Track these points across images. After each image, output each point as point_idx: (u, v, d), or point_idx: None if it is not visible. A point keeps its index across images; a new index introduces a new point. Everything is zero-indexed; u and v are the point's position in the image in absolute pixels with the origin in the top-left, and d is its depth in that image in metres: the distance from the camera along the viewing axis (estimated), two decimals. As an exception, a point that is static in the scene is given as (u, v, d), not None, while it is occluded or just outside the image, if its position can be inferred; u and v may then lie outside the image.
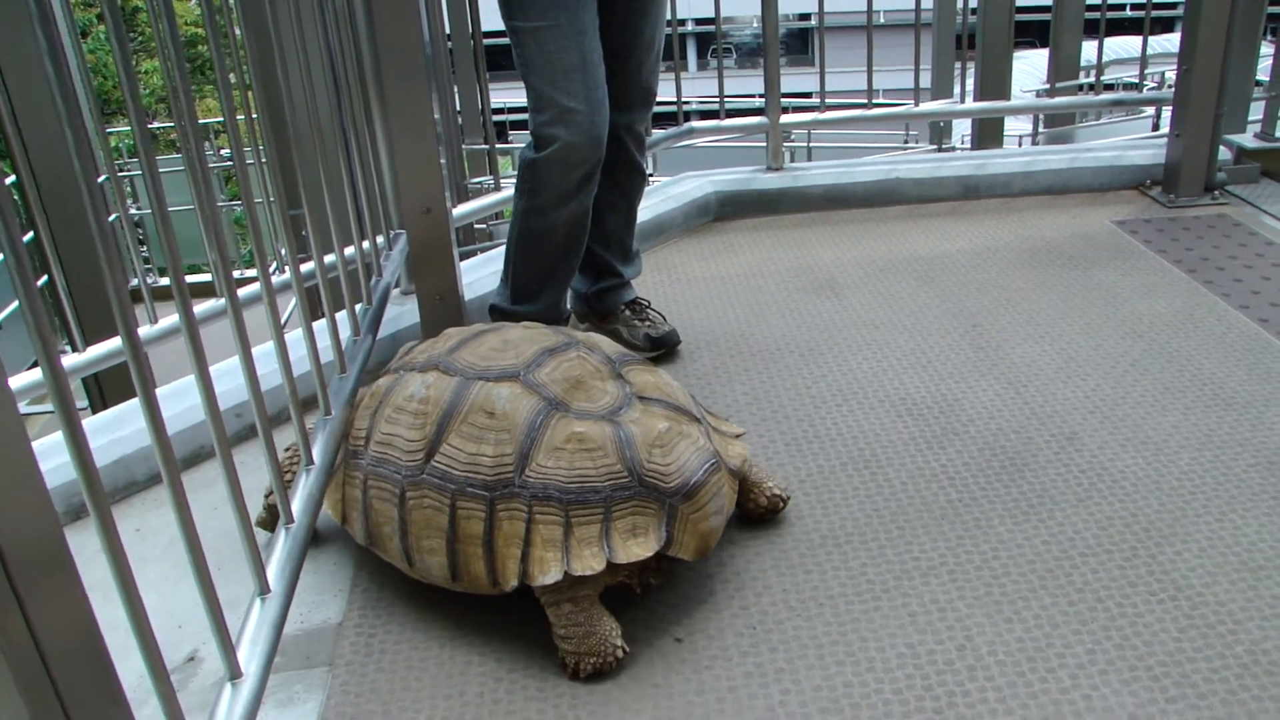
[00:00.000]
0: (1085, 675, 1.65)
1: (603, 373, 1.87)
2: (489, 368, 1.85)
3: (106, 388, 4.45)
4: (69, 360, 2.39)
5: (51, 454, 1.76)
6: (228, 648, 1.30)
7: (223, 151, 7.58)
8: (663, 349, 2.79)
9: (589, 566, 1.67)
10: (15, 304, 5.14)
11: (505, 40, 2.45)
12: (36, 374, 2.35)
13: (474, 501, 1.72)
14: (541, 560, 1.68)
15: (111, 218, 4.37)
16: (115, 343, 2.42)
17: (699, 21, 16.52)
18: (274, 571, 1.49)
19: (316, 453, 1.78)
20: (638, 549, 1.70)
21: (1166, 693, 1.61)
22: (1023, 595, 1.83)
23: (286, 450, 1.97)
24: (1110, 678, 1.64)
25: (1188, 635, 1.72)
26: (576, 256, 2.65)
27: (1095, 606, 1.80)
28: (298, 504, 1.65)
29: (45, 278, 3.85)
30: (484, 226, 6.10)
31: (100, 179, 4.30)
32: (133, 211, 7.00)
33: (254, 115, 1.95)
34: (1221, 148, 3.77)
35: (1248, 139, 3.85)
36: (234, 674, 1.31)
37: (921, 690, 1.64)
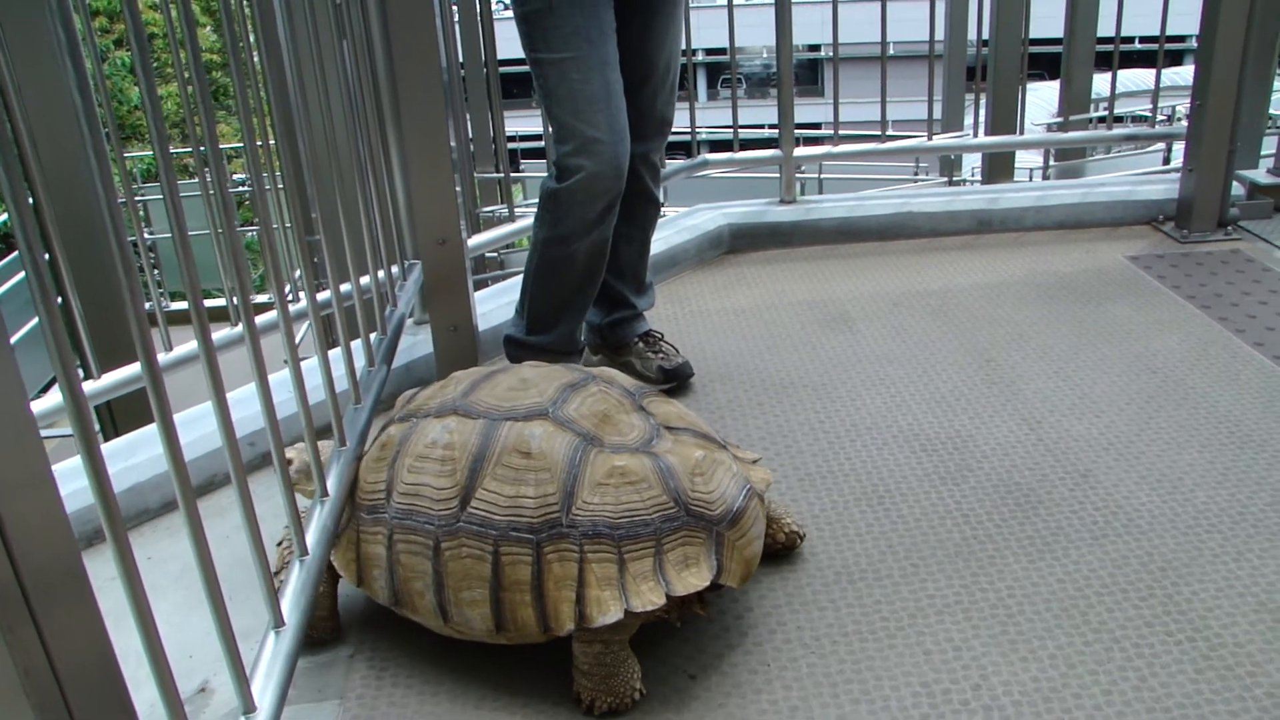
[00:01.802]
0: (1102, 716, 1.63)
1: (626, 406, 1.85)
2: (514, 407, 1.79)
3: (119, 415, 4.44)
4: (84, 387, 2.39)
5: (66, 479, 1.76)
6: (242, 681, 1.29)
7: (235, 177, 7.60)
8: (676, 381, 2.79)
9: (649, 602, 1.63)
10: (27, 327, 5.17)
11: (518, 69, 2.46)
12: (49, 400, 2.35)
13: (519, 546, 1.66)
14: (599, 600, 1.63)
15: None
16: (130, 370, 2.42)
17: (709, 52, 16.60)
18: (288, 604, 1.49)
19: (331, 484, 1.77)
20: (693, 579, 1.68)
21: (1185, 735, 1.59)
22: (1038, 634, 1.82)
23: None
24: (1128, 719, 1.62)
25: (1205, 677, 1.71)
26: (594, 287, 2.65)
27: (1111, 646, 1.78)
28: (311, 536, 1.64)
29: (59, 300, 3.86)
30: (495, 255, 6.10)
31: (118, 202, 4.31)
32: (146, 236, 7.03)
33: (271, 141, 1.96)
34: (1235, 183, 3.77)
35: (1261, 174, 3.85)
36: (248, 708, 1.30)
37: (937, 730, 1.62)
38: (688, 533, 1.69)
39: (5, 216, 8.48)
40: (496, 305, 3.16)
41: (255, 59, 1.92)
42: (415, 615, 1.76)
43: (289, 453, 1.84)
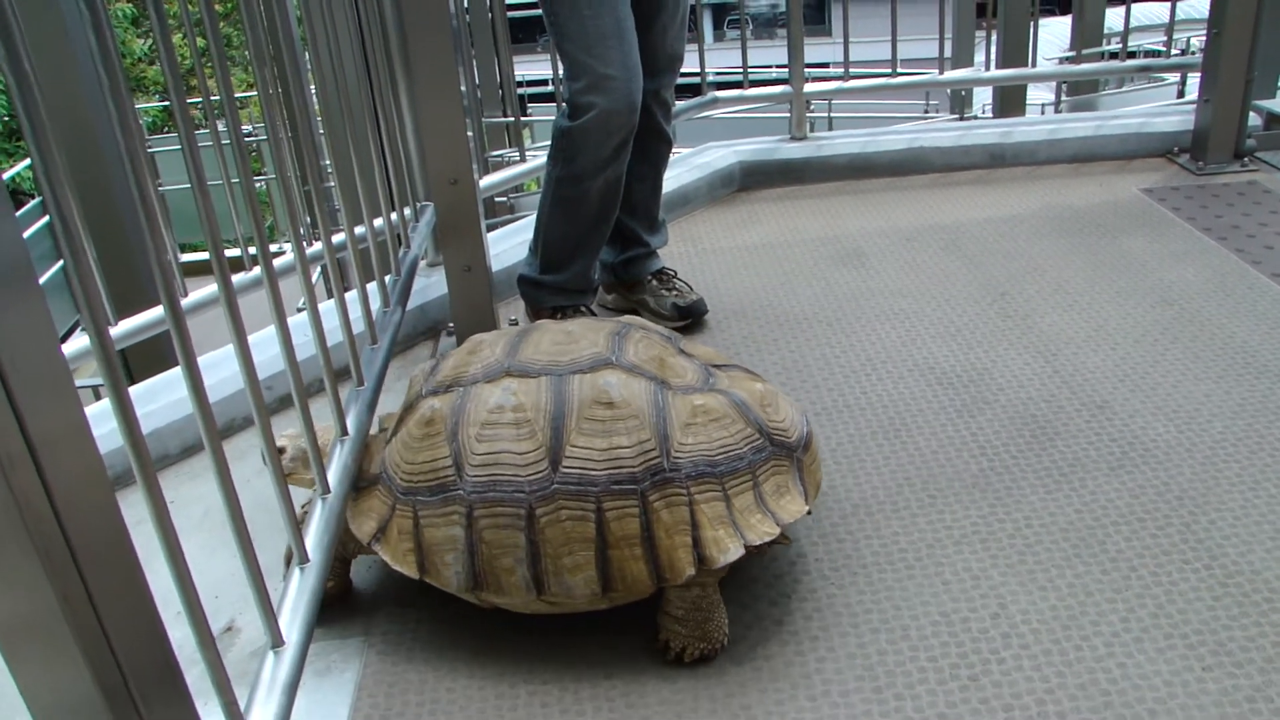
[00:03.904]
0: (1120, 643, 1.65)
1: (670, 349, 1.82)
2: (576, 360, 1.72)
3: (134, 364, 4.47)
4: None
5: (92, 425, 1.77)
6: (269, 616, 1.31)
7: (244, 128, 7.56)
8: (690, 318, 2.79)
9: (763, 534, 1.63)
10: (44, 279, 5.18)
11: (524, 14, 2.43)
12: (67, 349, 2.36)
13: (623, 498, 1.60)
14: (716, 540, 1.60)
15: (135, 192, 4.35)
16: (145, 317, 2.43)
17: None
18: (312, 541, 1.50)
19: (350, 424, 1.78)
20: (793, 506, 1.68)
21: (1202, 660, 1.60)
22: (1056, 564, 1.83)
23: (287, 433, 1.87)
24: (1145, 645, 1.64)
25: (1223, 603, 1.72)
26: (608, 225, 2.64)
27: (1129, 575, 1.79)
28: (333, 474, 1.65)
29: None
30: (505, 200, 6.09)
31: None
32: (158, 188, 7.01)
33: (278, 90, 1.94)
34: (1251, 113, 3.72)
35: (1278, 104, 3.80)
36: (276, 642, 1.32)
37: (956, 658, 1.64)
38: (775, 462, 1.70)
39: (13, 172, 8.46)
40: (509, 245, 3.16)
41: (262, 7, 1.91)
42: (498, 596, 1.66)
43: (280, 440, 1.77)
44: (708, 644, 1.67)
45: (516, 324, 2.84)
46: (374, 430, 1.90)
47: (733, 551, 1.60)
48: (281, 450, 1.76)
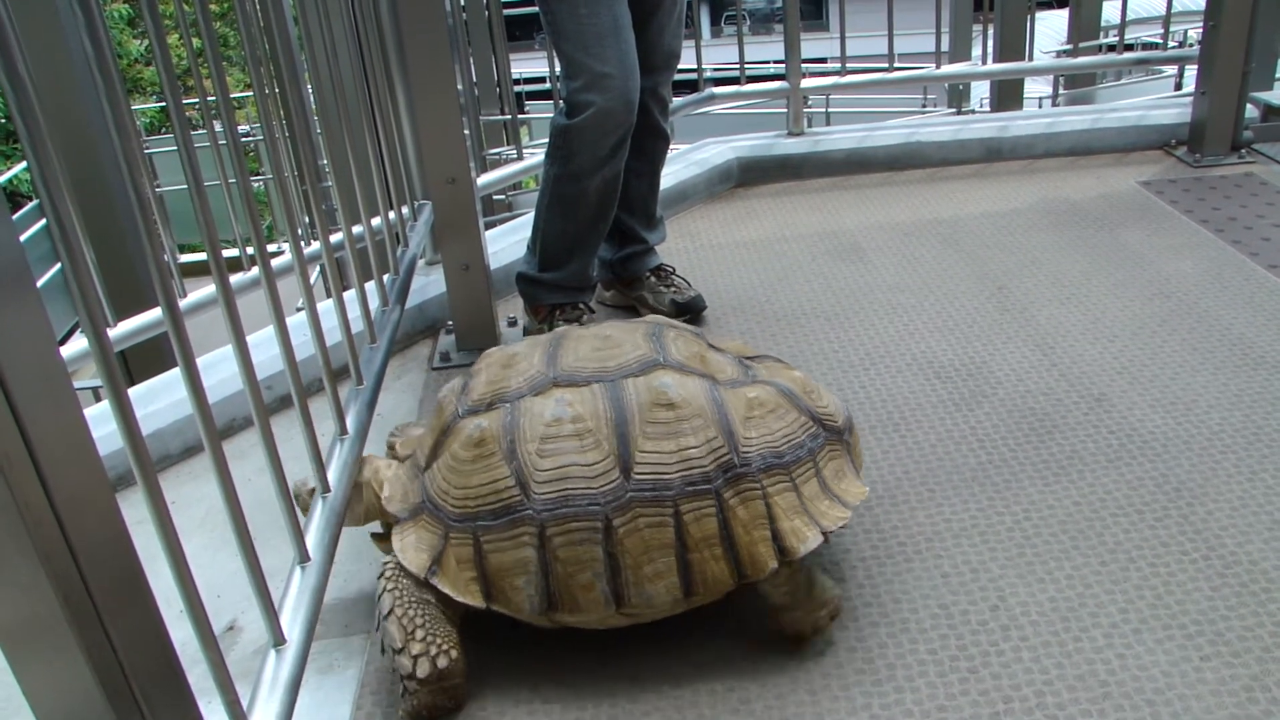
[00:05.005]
0: (1119, 634, 1.65)
1: (704, 345, 1.81)
2: (623, 364, 1.68)
3: (134, 365, 4.48)
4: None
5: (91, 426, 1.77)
6: (271, 614, 1.31)
7: (240, 128, 7.57)
8: (689, 314, 2.79)
9: (836, 519, 1.63)
10: (42, 281, 5.18)
11: (520, 11, 2.43)
12: (66, 351, 2.36)
13: (699, 499, 1.57)
14: (795, 531, 1.60)
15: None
16: (144, 318, 2.43)
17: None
18: (313, 540, 1.51)
19: (350, 423, 1.78)
20: (855, 489, 1.70)
21: (1200, 651, 1.61)
22: (1055, 556, 1.84)
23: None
24: (1144, 637, 1.64)
25: (1221, 594, 1.72)
26: (606, 223, 2.65)
27: (1128, 566, 1.80)
28: (333, 473, 1.66)
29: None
30: (503, 198, 6.09)
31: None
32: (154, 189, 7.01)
33: (275, 90, 1.95)
34: (1249, 105, 3.73)
35: (1276, 96, 3.81)
36: (278, 640, 1.32)
37: (955, 650, 1.64)
38: (830, 447, 1.71)
39: (10, 175, 8.46)
40: (508, 244, 3.16)
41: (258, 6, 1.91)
42: (572, 614, 1.60)
43: (313, 482, 1.67)
44: (827, 608, 1.66)
45: (515, 322, 2.84)
46: (375, 470, 1.81)
47: (812, 540, 1.60)
48: (314, 490, 1.68)
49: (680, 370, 1.68)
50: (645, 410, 1.61)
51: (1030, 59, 4.90)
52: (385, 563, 1.66)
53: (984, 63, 5.06)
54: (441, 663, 1.56)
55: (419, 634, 1.57)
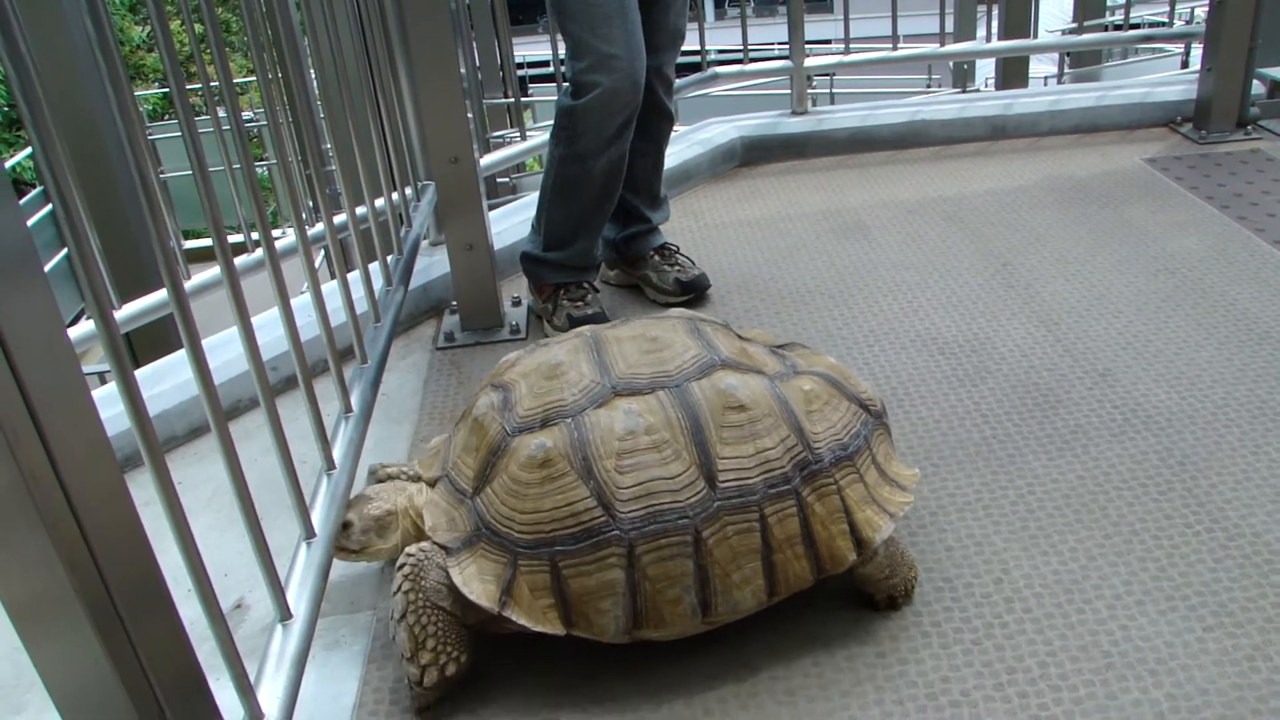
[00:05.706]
0: (1122, 605, 1.66)
1: (735, 336, 1.80)
2: (682, 367, 1.64)
3: (139, 347, 4.49)
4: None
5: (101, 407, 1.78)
6: (277, 589, 1.33)
7: (244, 114, 7.56)
8: (693, 293, 2.79)
9: (901, 505, 1.65)
10: (48, 267, 5.19)
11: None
12: (77, 331, 2.37)
13: (781, 500, 1.56)
14: (869, 521, 1.61)
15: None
16: (149, 300, 2.44)
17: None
18: (319, 516, 1.52)
19: (355, 401, 1.79)
20: (907, 472, 1.72)
21: (1203, 621, 1.62)
22: (1058, 529, 1.84)
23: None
24: (1147, 607, 1.65)
25: (1224, 565, 1.73)
26: (611, 203, 2.65)
27: (1131, 539, 1.80)
28: (339, 450, 1.67)
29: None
30: (507, 180, 6.09)
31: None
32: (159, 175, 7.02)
33: (278, 75, 1.95)
34: (1255, 81, 3.71)
35: (1281, 72, 3.80)
36: (284, 615, 1.34)
37: (959, 623, 1.65)
38: (878, 432, 1.72)
39: (14, 161, 8.47)
40: (511, 224, 3.16)
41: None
42: (656, 630, 1.56)
43: (348, 515, 1.67)
44: (913, 570, 1.70)
45: (519, 302, 2.85)
46: (409, 496, 1.75)
47: (885, 529, 1.61)
48: (348, 525, 1.67)
49: (737, 369, 1.66)
50: (716, 414, 1.58)
51: (1035, 37, 4.88)
52: (402, 562, 1.59)
53: (989, 41, 5.03)
54: (450, 670, 1.55)
55: (429, 643, 1.55)
